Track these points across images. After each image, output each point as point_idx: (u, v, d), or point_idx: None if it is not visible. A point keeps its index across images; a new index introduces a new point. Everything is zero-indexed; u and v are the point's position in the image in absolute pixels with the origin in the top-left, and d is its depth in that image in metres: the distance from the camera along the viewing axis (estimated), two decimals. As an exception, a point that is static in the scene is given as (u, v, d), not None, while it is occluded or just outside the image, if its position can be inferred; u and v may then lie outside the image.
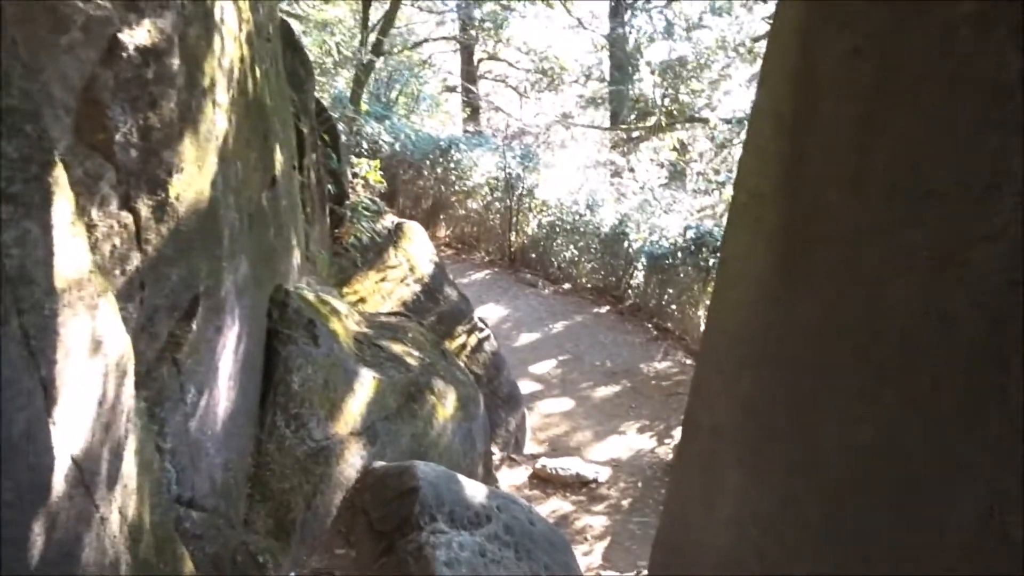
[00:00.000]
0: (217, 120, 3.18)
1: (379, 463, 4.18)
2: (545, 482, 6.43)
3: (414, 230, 7.32)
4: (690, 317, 10.86)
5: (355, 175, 7.44)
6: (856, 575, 1.36)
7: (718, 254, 10.40)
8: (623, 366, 9.44)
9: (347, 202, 6.65)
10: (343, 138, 7.24)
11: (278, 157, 4.56)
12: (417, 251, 7.16)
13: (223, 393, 3.32)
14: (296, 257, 5.10)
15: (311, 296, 4.69)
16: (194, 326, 2.98)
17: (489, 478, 5.61)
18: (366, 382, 4.42)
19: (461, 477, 4.06)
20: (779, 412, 1.85)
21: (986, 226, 1.06)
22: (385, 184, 8.04)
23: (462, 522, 3.80)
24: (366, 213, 6.70)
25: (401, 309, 6.53)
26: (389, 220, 7.33)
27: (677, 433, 7.48)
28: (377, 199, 7.41)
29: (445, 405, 4.98)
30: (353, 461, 4.09)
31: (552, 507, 6.11)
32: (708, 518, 2.18)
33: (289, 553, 3.52)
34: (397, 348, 5.07)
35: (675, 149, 17.96)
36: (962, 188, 1.13)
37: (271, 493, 3.61)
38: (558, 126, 21.68)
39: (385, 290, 6.76)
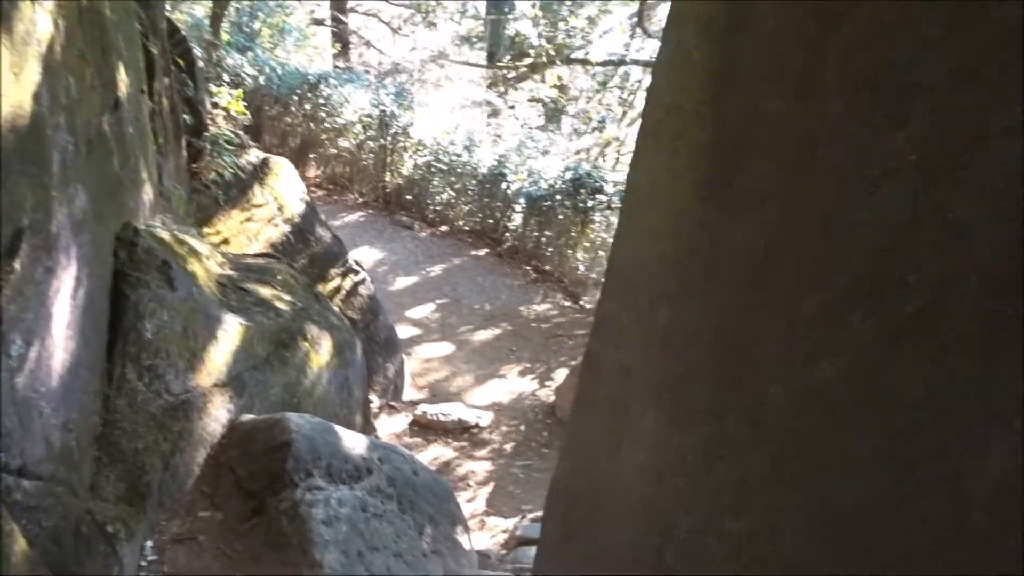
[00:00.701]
0: (38, 21, 2.68)
1: (247, 416, 3.82)
2: (426, 429, 6.22)
3: (282, 166, 6.80)
4: (568, 259, 10.84)
5: (215, 105, 6.80)
6: (811, 533, 1.19)
7: (596, 195, 10.43)
8: (502, 309, 9.30)
9: (206, 134, 6.05)
10: (200, 64, 6.57)
11: (122, 77, 4.00)
12: (286, 189, 6.66)
13: (59, 344, 2.87)
14: (147, 192, 4.57)
15: (165, 235, 4.20)
16: (17, 266, 2.52)
17: (368, 427, 5.33)
18: (231, 329, 4.02)
19: (339, 428, 3.77)
20: (704, 350, 1.67)
21: (1004, 117, 0.86)
22: (249, 117, 7.42)
23: (341, 476, 3.52)
24: (228, 147, 6.14)
25: (269, 251, 6.07)
26: (254, 155, 6.78)
27: (559, 375, 7.43)
28: (240, 132, 6.81)
29: (319, 352, 4.64)
30: (218, 415, 3.72)
31: (434, 454, 5.92)
32: (615, 463, 2.00)
33: (143, 519, 3.14)
34: (266, 292, 4.66)
35: (555, 86, 17.79)
36: (966, 75, 0.94)
37: (122, 454, 3.20)
38: (433, 64, 21.10)
39: (251, 231, 6.27)
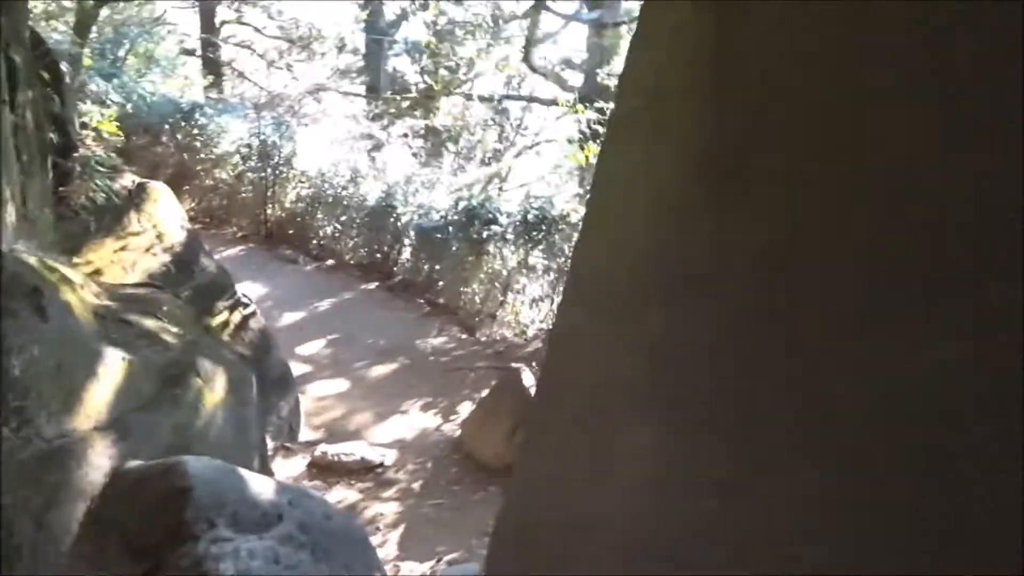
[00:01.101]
0: None
1: (134, 463, 3.37)
2: (326, 470, 5.80)
3: (160, 191, 6.29)
4: (463, 292, 10.61)
5: (84, 126, 6.23)
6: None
7: (490, 226, 10.29)
8: (398, 343, 8.94)
9: (75, 155, 5.50)
10: (68, 80, 6.01)
11: (-24, 80, 3.55)
12: (165, 215, 6.15)
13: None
14: (9, 214, 4.06)
15: (32, 260, 3.70)
16: None
17: (266, 471, 4.89)
18: (112, 364, 3.57)
19: (242, 471, 3.37)
20: (709, 354, 1.48)
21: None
22: (123, 138, 6.86)
23: (249, 525, 3.12)
24: (100, 169, 5.61)
25: (149, 282, 5.55)
26: (129, 179, 6.25)
27: (463, 409, 7.16)
28: (114, 154, 6.27)
29: (213, 389, 4.21)
30: (99, 463, 3.26)
31: (337, 497, 5.51)
32: (600, 490, 1.78)
33: (13, 591, 2.66)
34: (150, 324, 4.20)
35: (430, 126, 17.74)
36: None
37: (-16, 513, 2.71)
38: (311, 98, 20.64)
39: (127, 260, 5.73)
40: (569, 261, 2.06)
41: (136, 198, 6.06)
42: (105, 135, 6.33)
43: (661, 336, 1.58)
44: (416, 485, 5.77)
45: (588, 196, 2.12)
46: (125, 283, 5.13)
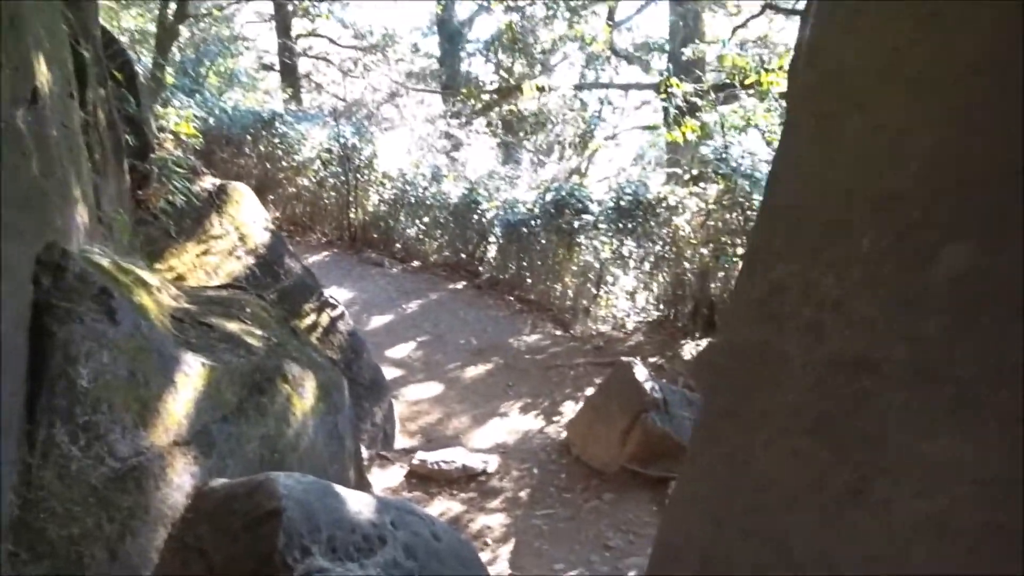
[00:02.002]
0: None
1: (219, 481, 2.99)
2: (426, 480, 5.38)
3: (242, 193, 6.00)
4: (554, 287, 10.14)
5: (162, 129, 6.01)
6: None
7: (581, 215, 9.77)
8: (490, 342, 8.52)
9: (152, 156, 5.25)
10: (142, 80, 5.78)
11: (42, 69, 3.23)
12: (248, 217, 5.86)
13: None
14: (81, 214, 3.75)
15: (104, 261, 3.39)
16: None
17: (363, 484, 4.50)
18: (192, 371, 3.21)
19: (339, 488, 2.95)
20: None
21: None
22: (202, 140, 6.63)
23: (347, 551, 2.70)
24: (178, 170, 5.33)
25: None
26: (209, 182, 5.98)
27: (566, 409, 6.67)
28: (192, 157, 6.02)
29: (303, 395, 3.82)
30: (180, 482, 2.89)
31: (439, 509, 5.08)
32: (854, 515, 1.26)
33: (84, 636, 2.29)
34: (233, 326, 3.85)
35: (508, 120, 17.34)
36: None
37: (50, 546, 2.36)
38: (388, 103, 20.62)
39: (210, 265, 5.45)
40: (741, 268, 1.45)
41: (217, 200, 5.79)
42: (184, 137, 6.09)
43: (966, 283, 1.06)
44: (523, 493, 5.30)
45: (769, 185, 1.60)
46: (206, 286, 4.83)
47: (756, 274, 1.56)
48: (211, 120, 12.48)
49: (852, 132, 1.30)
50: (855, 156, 1.30)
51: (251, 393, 3.51)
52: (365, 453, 5.59)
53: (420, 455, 5.54)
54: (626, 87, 17.12)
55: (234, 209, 5.84)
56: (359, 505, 2.94)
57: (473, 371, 7.70)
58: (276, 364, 3.73)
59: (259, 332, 3.93)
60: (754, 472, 1.57)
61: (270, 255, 5.80)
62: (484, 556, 4.57)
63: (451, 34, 19.64)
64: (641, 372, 5.43)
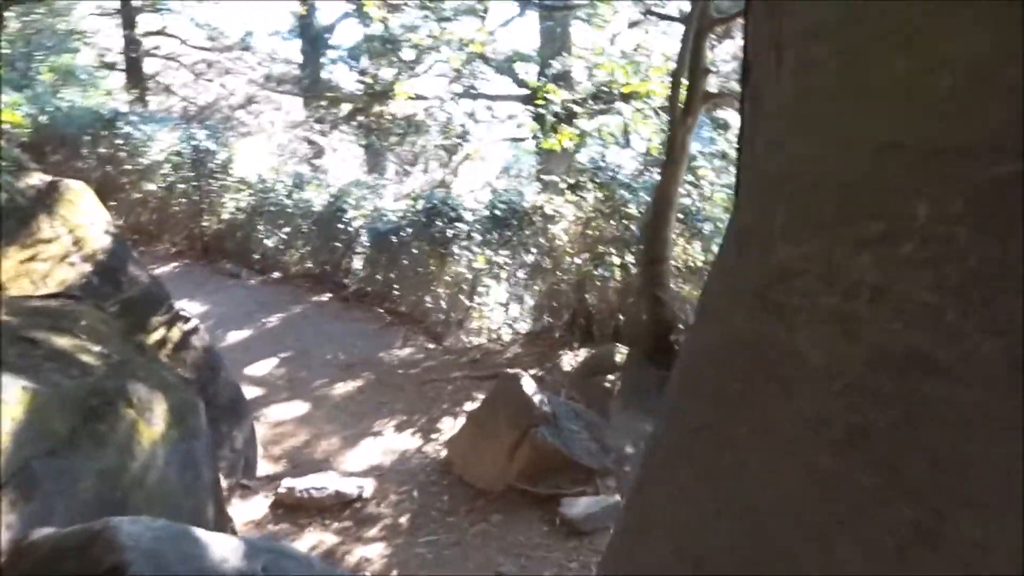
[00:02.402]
0: None
1: (44, 531, 2.44)
2: (294, 510, 4.86)
3: (77, 191, 5.29)
4: (426, 299, 9.74)
5: (-22, 118, 5.21)
6: None
7: (454, 223, 9.45)
8: (360, 357, 8.03)
9: (-35, 146, 4.50)
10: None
11: None
12: (85, 219, 5.16)
13: None
14: None
15: None
16: None
17: (222, 519, 3.95)
18: (10, 397, 2.63)
19: (198, 532, 2.46)
20: None
21: None
22: (30, 129, 5.82)
23: (211, 609, 2.23)
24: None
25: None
26: (38, 178, 5.24)
27: (444, 426, 6.30)
28: (18, 150, 5.25)
29: (151, 421, 3.27)
30: (-9, 534, 2.33)
31: (311, 541, 4.58)
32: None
33: None
34: (64, 342, 3.25)
35: (372, 127, 16.86)
36: None
37: None
38: (243, 109, 19.67)
39: (37, 272, 4.73)
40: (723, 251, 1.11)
41: (47, 199, 5.06)
42: (8, 127, 5.30)
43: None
44: (403, 519, 4.88)
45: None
46: (31, 295, 4.15)
47: (750, 259, 1.26)
48: (43, 118, 11.33)
49: (903, 71, 1.02)
50: (904, 100, 1.01)
51: (86, 420, 2.94)
52: (224, 483, 5.00)
53: (287, 482, 5.02)
54: (495, 98, 17.01)
55: (68, 210, 5.13)
56: (224, 551, 2.47)
57: (342, 388, 7.20)
58: (117, 385, 3.17)
59: (96, 348, 3.35)
60: (747, 499, 1.25)
61: (111, 261, 5.12)
62: (363, 593, 4.14)
63: (313, 38, 18.92)
64: (529, 385, 5.15)
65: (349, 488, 5.05)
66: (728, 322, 1.31)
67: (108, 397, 3.07)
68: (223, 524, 3.91)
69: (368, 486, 5.22)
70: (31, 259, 4.74)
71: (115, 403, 3.08)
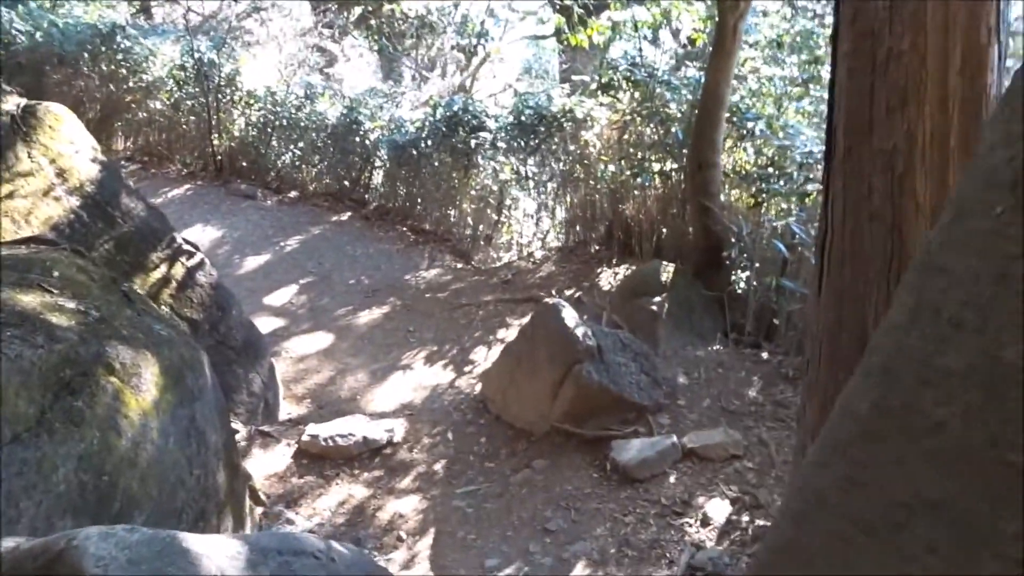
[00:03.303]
0: None
1: (7, 542, 1.99)
2: (319, 460, 4.47)
3: (58, 116, 4.72)
4: (451, 214, 9.19)
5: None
6: None
7: (477, 133, 8.79)
8: (385, 281, 7.55)
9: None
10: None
11: None
12: (68, 146, 4.61)
13: None
14: None
15: None
16: None
17: (236, 482, 3.54)
18: (-45, 378, 2.16)
19: (187, 540, 2.00)
20: None
21: None
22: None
23: (204, 646, 1.79)
24: (-40, 87, 4.04)
25: (50, 235, 4.08)
26: (13, 103, 4.67)
27: (477, 356, 5.85)
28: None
29: (140, 388, 2.80)
30: (-67, 559, 1.88)
31: (338, 497, 4.19)
32: None
33: None
34: (31, 301, 2.76)
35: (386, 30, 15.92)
36: None
37: None
38: (251, 19, 18.71)
39: (19, 211, 4.23)
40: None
41: (23, 126, 4.50)
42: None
43: None
44: (439, 466, 4.47)
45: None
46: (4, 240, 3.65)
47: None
48: (39, 35, 10.66)
49: None
50: None
51: (58, 397, 2.48)
52: (242, 431, 4.61)
53: (311, 430, 4.60)
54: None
55: (48, 137, 4.58)
56: (222, 558, 2.02)
57: (367, 316, 6.74)
58: (95, 351, 2.69)
59: (72, 305, 2.86)
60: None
61: (101, 194, 4.59)
62: (400, 554, 3.74)
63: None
64: (570, 316, 4.63)
65: (377, 433, 4.63)
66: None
67: (84, 366, 2.59)
68: (238, 491, 3.51)
69: (399, 429, 4.81)
70: (10, 196, 4.23)
71: (92, 372, 2.61)
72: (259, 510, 3.94)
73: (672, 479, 4.03)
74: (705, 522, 3.70)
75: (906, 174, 2.48)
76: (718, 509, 3.78)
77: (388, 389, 5.44)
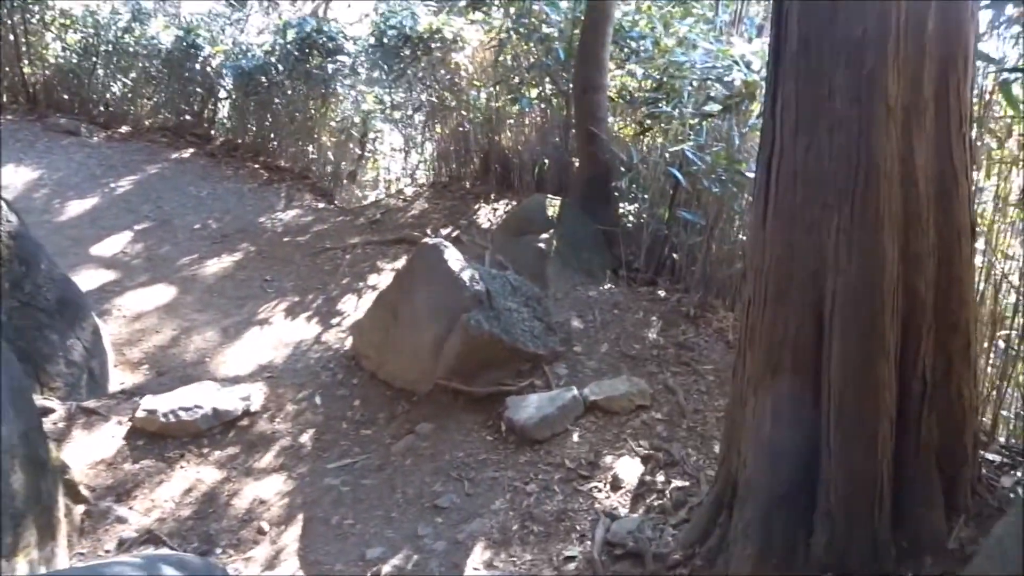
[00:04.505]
0: None
1: None
2: (159, 439, 3.72)
3: None
4: (307, 149, 8.32)
5: None
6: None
7: (334, 56, 7.92)
8: (236, 225, 6.69)
9: None
10: None
11: None
12: None
13: None
14: None
15: None
16: None
17: (44, 479, 2.79)
18: None
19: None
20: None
21: None
22: None
23: None
24: None
25: None
26: None
27: (346, 306, 5.19)
28: None
29: None
30: None
31: (183, 484, 3.49)
32: None
33: None
34: None
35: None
36: None
37: None
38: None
39: None
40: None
41: None
42: None
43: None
44: (306, 438, 3.82)
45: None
46: None
47: None
48: None
49: None
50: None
51: None
52: (59, 410, 3.79)
53: (148, 403, 3.83)
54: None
55: None
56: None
57: (216, 265, 5.90)
58: None
59: None
60: None
61: None
62: (261, 551, 3.11)
63: None
64: (454, 257, 4.04)
65: (231, 403, 3.92)
66: None
67: None
68: (46, 492, 2.76)
69: (257, 395, 4.12)
70: None
71: None
72: (80, 509, 3.19)
73: (575, 437, 3.58)
74: (616, 485, 3.27)
75: (877, 70, 2.04)
76: (629, 469, 3.36)
77: (243, 348, 4.70)
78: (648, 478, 3.29)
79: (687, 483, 3.20)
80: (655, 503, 3.10)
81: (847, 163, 2.09)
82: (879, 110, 2.05)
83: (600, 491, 3.25)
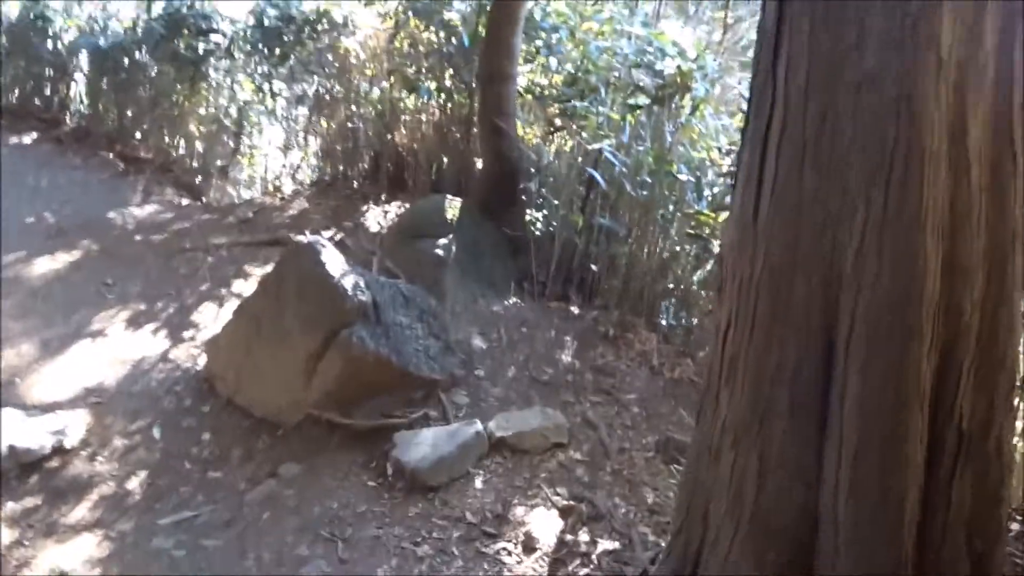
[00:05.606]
0: None
1: None
2: (-68, 486, 2.82)
3: None
4: (173, 140, 7.39)
5: None
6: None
7: (206, 37, 7.06)
8: (78, 219, 5.73)
9: None
10: None
11: None
12: None
13: None
14: None
15: None
16: None
17: None
18: None
19: None
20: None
21: None
22: None
23: None
24: None
25: None
26: None
27: (203, 318, 4.37)
28: None
29: None
30: None
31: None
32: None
33: None
34: None
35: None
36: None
37: None
38: None
39: None
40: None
41: None
42: None
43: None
44: (134, 483, 3.00)
45: None
46: None
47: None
48: None
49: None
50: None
51: None
52: None
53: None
54: None
55: None
56: None
57: (46, 265, 4.95)
58: None
59: None
60: None
61: None
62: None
63: None
64: (333, 259, 3.32)
65: (36, 437, 3.06)
66: None
67: None
68: None
69: (76, 427, 3.26)
70: None
71: None
72: None
73: (479, 483, 2.93)
74: (529, 546, 2.63)
75: (928, 8, 1.50)
76: (545, 524, 2.73)
77: (66, 366, 3.80)
78: (569, 537, 2.66)
79: (617, 544, 2.59)
80: (580, 572, 2.47)
81: (878, 137, 1.54)
82: (928, 61, 1.51)
83: (510, 554, 2.60)
